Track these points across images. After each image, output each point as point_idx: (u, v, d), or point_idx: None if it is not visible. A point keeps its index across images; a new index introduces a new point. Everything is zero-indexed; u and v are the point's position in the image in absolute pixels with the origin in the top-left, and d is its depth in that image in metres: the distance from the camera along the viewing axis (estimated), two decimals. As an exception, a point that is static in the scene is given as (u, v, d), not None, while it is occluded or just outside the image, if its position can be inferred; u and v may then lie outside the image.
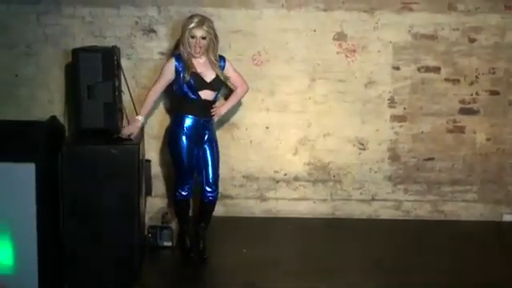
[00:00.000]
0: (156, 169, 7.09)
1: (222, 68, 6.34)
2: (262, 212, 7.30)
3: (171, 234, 6.44)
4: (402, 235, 6.93)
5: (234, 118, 7.16)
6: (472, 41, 7.14)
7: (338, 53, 7.11)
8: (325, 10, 7.05)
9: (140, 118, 6.29)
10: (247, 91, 6.60)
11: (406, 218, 7.33)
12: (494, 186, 7.35)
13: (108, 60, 6.11)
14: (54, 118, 6.52)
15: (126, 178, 5.96)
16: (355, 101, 7.16)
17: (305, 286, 5.85)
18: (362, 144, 7.24)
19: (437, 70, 7.15)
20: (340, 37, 7.08)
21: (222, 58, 6.37)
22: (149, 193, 6.76)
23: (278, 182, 7.28)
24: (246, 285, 5.84)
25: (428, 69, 7.14)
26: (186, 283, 5.89)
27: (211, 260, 6.24)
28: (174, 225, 6.50)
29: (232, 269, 6.11)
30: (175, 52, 6.50)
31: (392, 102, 7.20)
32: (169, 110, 7.00)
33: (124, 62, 6.74)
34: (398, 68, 7.14)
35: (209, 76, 6.24)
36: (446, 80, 7.17)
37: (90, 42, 6.78)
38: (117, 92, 6.23)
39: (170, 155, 6.37)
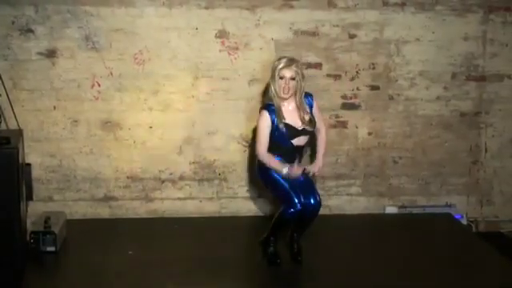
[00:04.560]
0: (37, 172, 6.92)
1: (311, 107, 6.16)
2: (148, 213, 7.22)
3: (54, 238, 6.28)
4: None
5: (117, 118, 7.05)
6: (352, 37, 7.26)
7: (220, 51, 7.11)
8: (206, 8, 7.03)
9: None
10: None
11: (293, 213, 7.38)
12: (377, 180, 7.49)
13: (-17, 62, 5.94)
14: None
15: (5, 182, 5.77)
16: (239, 98, 7.16)
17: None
18: (247, 141, 7.25)
19: (318, 66, 7.22)
20: (222, 34, 7.08)
21: (309, 96, 6.19)
22: (30, 197, 6.59)
23: (163, 181, 7.22)
24: (131, 286, 5.76)
25: (310, 65, 7.21)
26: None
27: (96, 262, 6.12)
28: (57, 229, 6.35)
29: (118, 270, 6.01)
30: (265, 103, 6.22)
31: (275, 99, 7.24)
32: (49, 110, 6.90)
33: (1, 64, 6.57)
34: (280, 65, 7.18)
35: (299, 123, 6.06)
36: (328, 76, 7.26)
37: (-35, 43, 6.58)
38: (-7, 94, 6.08)
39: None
